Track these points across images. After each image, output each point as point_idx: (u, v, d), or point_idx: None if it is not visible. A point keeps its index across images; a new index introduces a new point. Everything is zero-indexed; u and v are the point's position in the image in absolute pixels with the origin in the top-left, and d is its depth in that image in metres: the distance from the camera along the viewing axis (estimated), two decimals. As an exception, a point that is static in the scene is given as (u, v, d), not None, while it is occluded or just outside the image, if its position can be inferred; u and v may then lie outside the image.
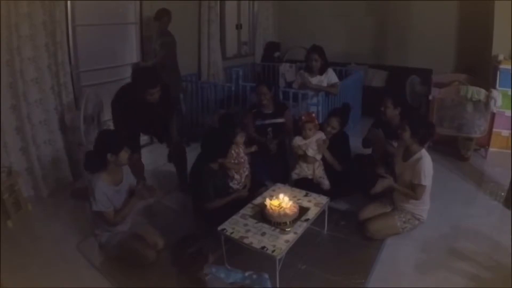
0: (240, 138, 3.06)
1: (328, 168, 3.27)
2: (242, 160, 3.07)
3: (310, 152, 3.17)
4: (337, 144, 3.30)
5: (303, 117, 3.20)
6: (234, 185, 3.00)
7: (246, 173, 3.09)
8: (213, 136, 2.92)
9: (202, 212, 2.76)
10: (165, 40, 4.24)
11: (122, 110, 2.99)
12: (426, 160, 2.58)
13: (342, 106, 3.60)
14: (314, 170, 3.22)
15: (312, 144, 3.17)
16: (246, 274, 2.00)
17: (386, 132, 3.22)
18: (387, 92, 3.38)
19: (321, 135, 3.19)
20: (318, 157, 3.21)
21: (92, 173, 2.39)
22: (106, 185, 2.36)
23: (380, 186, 2.66)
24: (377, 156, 3.32)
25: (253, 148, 3.18)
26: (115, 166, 2.40)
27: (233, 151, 3.01)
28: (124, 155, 2.37)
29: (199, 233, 2.44)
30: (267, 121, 3.69)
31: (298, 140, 3.20)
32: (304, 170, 3.24)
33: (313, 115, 3.23)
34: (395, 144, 3.07)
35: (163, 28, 4.27)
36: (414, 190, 2.57)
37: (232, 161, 3.01)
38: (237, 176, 3.03)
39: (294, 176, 3.27)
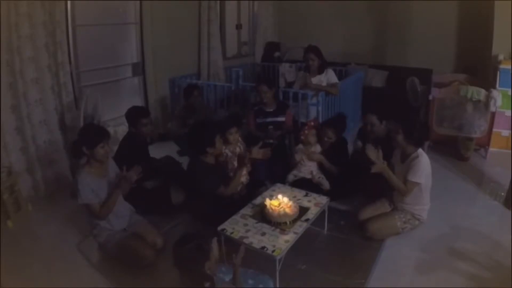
0: (232, 135, 3.03)
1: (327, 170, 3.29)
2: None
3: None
4: (335, 150, 3.33)
5: (309, 124, 3.28)
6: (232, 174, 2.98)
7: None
8: (195, 129, 2.90)
9: (201, 212, 2.76)
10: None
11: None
12: (422, 159, 2.58)
13: (337, 116, 3.62)
14: (312, 171, 3.25)
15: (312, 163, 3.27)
16: (249, 272, 2.00)
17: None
18: (369, 109, 3.32)
19: (317, 149, 3.28)
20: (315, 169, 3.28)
21: (79, 159, 2.47)
22: (91, 177, 2.38)
23: (374, 168, 2.60)
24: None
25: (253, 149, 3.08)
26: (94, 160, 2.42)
27: (226, 151, 3.00)
28: (99, 151, 2.38)
29: (198, 230, 2.43)
30: (268, 119, 3.70)
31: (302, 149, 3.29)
32: (303, 170, 3.26)
33: (312, 123, 3.30)
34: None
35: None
36: (406, 185, 2.57)
37: (226, 160, 3.00)
38: (231, 166, 3.02)
39: (291, 177, 3.27)
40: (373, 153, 2.63)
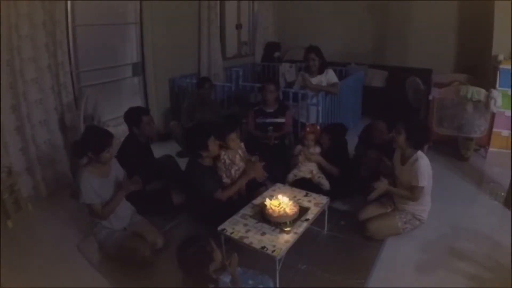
0: (234, 141, 2.91)
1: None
2: (237, 168, 2.95)
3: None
4: (335, 151, 3.34)
5: (308, 129, 3.27)
6: (226, 180, 2.92)
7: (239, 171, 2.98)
8: (190, 132, 2.87)
9: (201, 212, 2.76)
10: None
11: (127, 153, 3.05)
12: (422, 161, 2.57)
13: (338, 126, 3.66)
14: (312, 170, 3.25)
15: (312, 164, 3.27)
16: (249, 272, 2.00)
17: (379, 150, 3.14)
18: (369, 111, 3.24)
19: (316, 150, 3.28)
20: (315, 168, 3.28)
21: (80, 160, 2.46)
22: (93, 177, 2.37)
23: (376, 192, 2.65)
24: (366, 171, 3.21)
25: (253, 159, 2.94)
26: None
27: (225, 157, 2.90)
28: (105, 155, 2.38)
29: (200, 233, 2.44)
30: (268, 120, 3.71)
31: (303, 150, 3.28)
32: (303, 170, 3.26)
33: (318, 127, 3.30)
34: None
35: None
36: (411, 191, 2.57)
37: (224, 167, 2.91)
38: (228, 174, 2.94)
39: (291, 176, 3.27)
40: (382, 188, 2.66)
